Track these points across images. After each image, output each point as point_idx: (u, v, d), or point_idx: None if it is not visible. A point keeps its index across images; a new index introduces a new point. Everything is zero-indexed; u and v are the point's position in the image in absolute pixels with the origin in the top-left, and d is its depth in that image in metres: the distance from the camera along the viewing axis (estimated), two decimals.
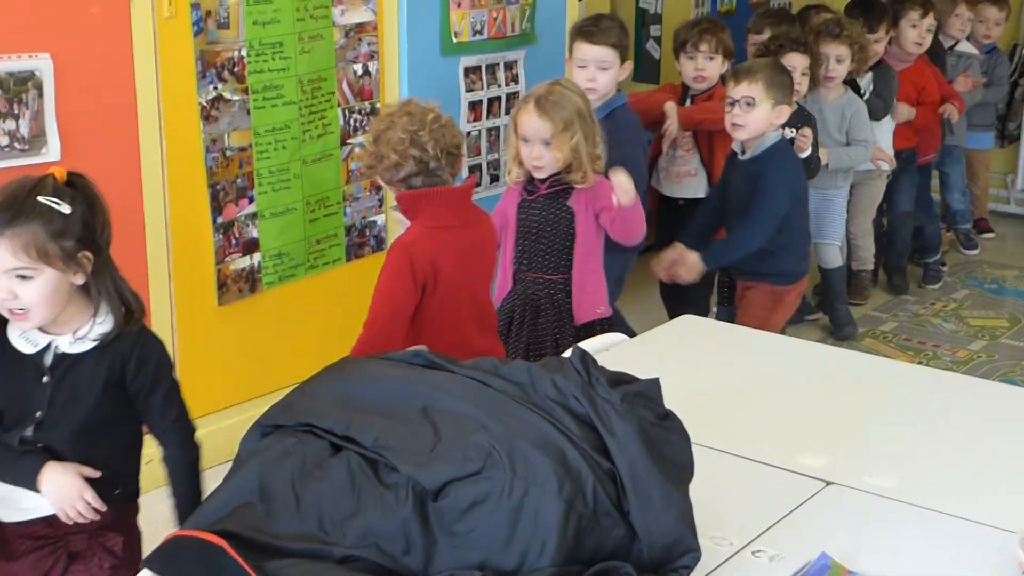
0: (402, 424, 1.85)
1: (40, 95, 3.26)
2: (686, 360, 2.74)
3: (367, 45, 4.19)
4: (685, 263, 3.95)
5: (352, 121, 4.18)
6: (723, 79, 4.36)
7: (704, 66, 4.51)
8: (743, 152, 4.03)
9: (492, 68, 4.60)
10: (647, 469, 1.79)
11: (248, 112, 3.82)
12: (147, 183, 3.58)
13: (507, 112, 4.64)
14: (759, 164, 3.96)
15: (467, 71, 4.50)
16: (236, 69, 3.76)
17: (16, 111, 3.22)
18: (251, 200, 3.87)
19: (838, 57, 4.87)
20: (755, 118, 3.90)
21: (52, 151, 3.31)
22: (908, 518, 2.07)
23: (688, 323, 3.08)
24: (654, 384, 1.93)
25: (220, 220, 3.78)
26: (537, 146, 3.30)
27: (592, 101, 3.61)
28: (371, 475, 1.81)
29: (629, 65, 4.02)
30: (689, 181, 4.61)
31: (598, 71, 3.91)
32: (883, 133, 5.32)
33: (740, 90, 3.90)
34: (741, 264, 4.12)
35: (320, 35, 4.02)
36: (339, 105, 4.12)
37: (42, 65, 3.26)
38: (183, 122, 3.65)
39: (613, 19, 4.17)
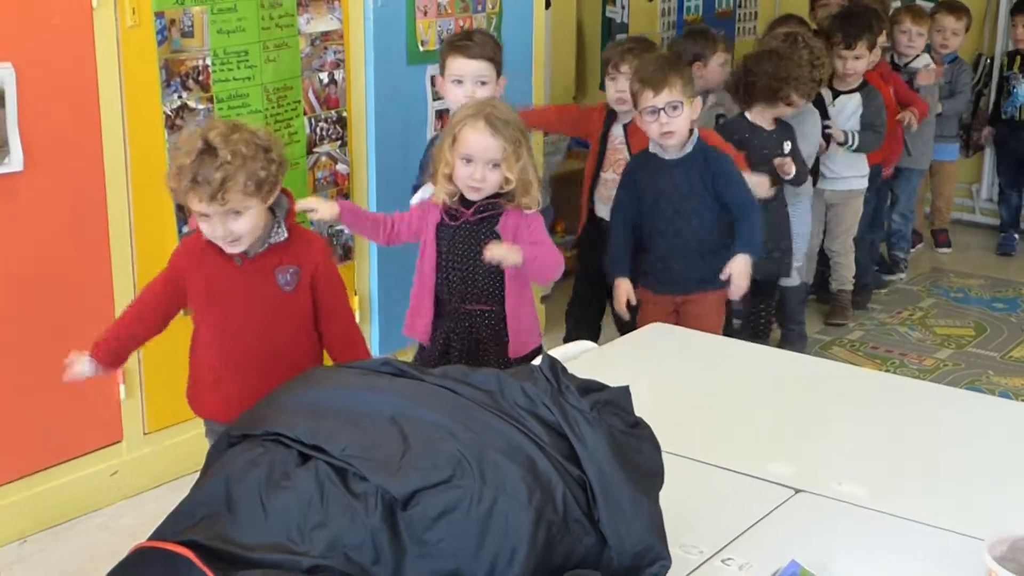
0: (371, 433, 1.82)
1: (2, 104, 3.23)
2: (655, 367, 2.73)
3: (333, 54, 4.18)
4: (738, 269, 3.80)
5: (318, 130, 4.17)
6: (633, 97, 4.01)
7: (626, 87, 4.13)
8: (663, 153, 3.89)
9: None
10: (617, 477, 1.78)
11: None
12: (111, 192, 3.55)
13: None
14: (700, 160, 3.86)
15: (434, 79, 4.48)
16: (201, 78, 3.75)
17: None
18: None
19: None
20: (683, 121, 3.79)
21: (15, 161, 3.28)
22: (877, 526, 2.07)
23: (657, 331, 3.08)
24: (624, 392, 1.92)
25: (186, 229, 3.75)
26: (482, 167, 3.08)
27: None
28: (339, 484, 1.79)
29: (504, 80, 3.79)
30: None
31: (476, 86, 3.67)
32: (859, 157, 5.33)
33: (663, 97, 3.74)
34: (684, 275, 3.93)
35: (286, 43, 4.00)
36: (305, 114, 4.11)
37: (4, 75, 3.23)
38: (147, 131, 3.63)
39: (486, 33, 4.00)
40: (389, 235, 3.34)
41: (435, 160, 3.20)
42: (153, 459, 3.76)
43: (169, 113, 3.66)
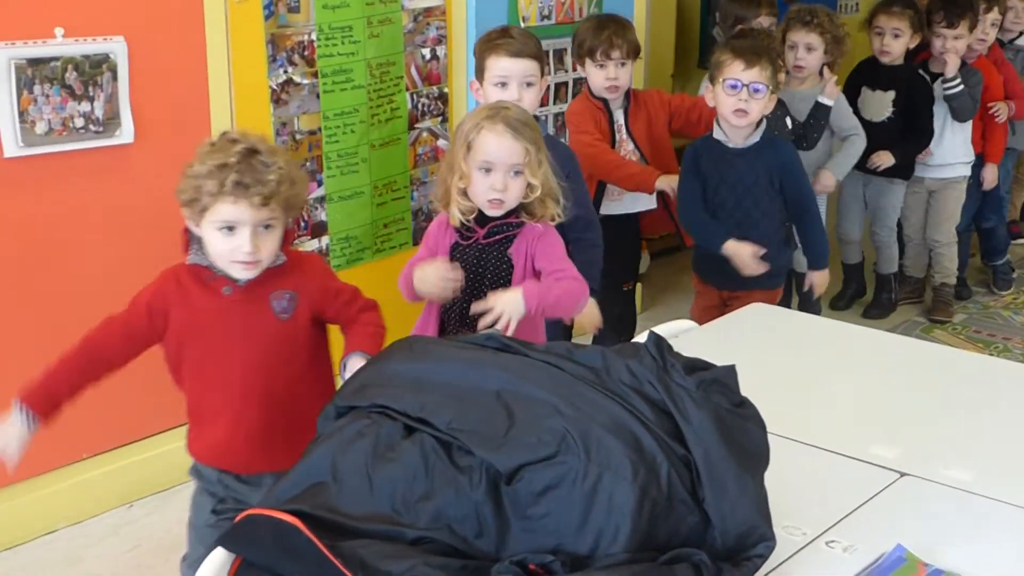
0: (476, 407, 1.84)
1: (114, 78, 3.30)
2: (758, 348, 2.72)
3: (435, 29, 4.19)
4: (817, 283, 3.83)
5: (420, 105, 4.19)
6: (712, 66, 3.83)
7: (617, 74, 4.01)
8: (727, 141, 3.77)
9: (559, 53, 4.59)
10: (722, 456, 1.77)
11: (317, 96, 3.84)
12: None
13: (575, 97, 4.63)
14: (768, 152, 3.76)
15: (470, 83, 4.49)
16: (306, 53, 3.78)
17: (91, 93, 3.25)
18: (320, 183, 3.90)
19: (808, 45, 4.60)
20: (760, 107, 3.68)
21: (126, 133, 3.34)
22: (984, 511, 2.04)
23: (758, 311, 3.06)
24: (730, 371, 1.91)
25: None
26: (503, 175, 2.72)
27: None
28: (444, 457, 1.80)
29: (548, 80, 3.58)
30: (637, 195, 4.24)
31: (523, 88, 3.31)
32: (964, 135, 5.17)
33: (750, 75, 3.64)
34: (737, 270, 3.77)
35: (389, 19, 4.03)
36: (407, 89, 4.14)
37: (116, 48, 3.29)
38: (254, 106, 3.68)
39: (525, 31, 3.57)
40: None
41: (443, 176, 2.84)
42: None
43: (275, 88, 3.71)
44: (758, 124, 3.74)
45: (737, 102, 3.65)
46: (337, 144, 3.91)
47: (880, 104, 5.00)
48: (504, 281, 2.80)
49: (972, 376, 2.67)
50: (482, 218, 2.80)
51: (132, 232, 3.43)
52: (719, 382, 1.87)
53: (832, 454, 2.21)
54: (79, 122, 3.24)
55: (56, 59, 3.17)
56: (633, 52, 4.05)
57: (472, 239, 2.82)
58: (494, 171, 2.71)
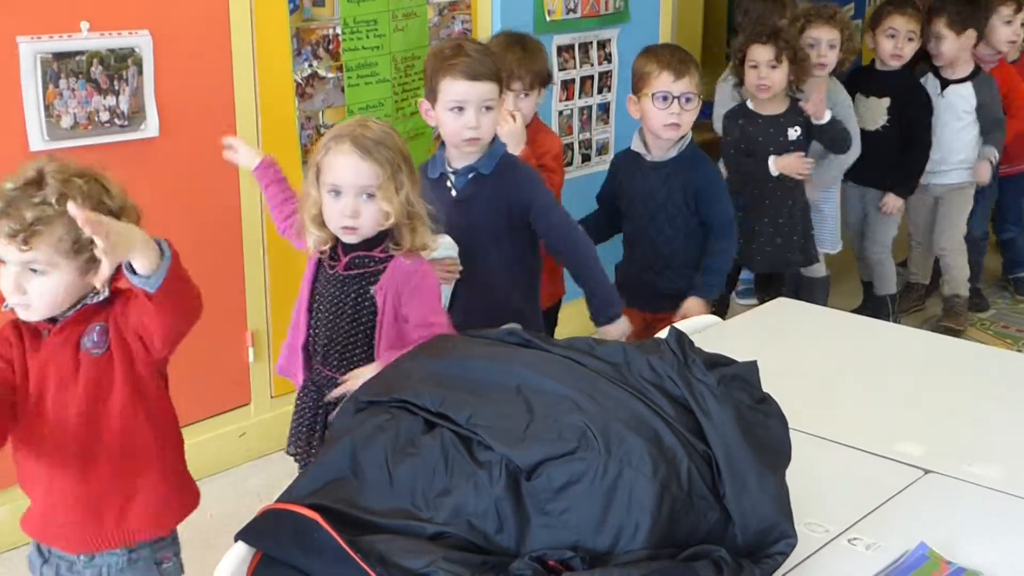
0: (496, 402, 1.83)
1: (140, 72, 3.31)
2: (781, 343, 2.70)
3: (460, 23, 4.18)
4: (690, 311, 3.33)
5: None
6: (635, 76, 3.54)
7: (518, 107, 3.50)
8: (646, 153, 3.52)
9: (585, 47, 4.58)
10: (743, 453, 1.76)
11: (342, 90, 3.84)
12: None
13: (600, 91, 4.62)
14: (685, 169, 3.47)
15: (560, 49, 4.48)
16: (331, 47, 3.78)
17: (116, 87, 3.26)
18: None
19: (831, 42, 4.47)
20: (691, 118, 3.43)
21: (151, 127, 3.35)
22: (1009, 509, 2.02)
23: (782, 306, 3.04)
24: (751, 367, 1.90)
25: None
26: (353, 199, 2.44)
27: (471, 154, 2.98)
28: (464, 453, 1.80)
29: (505, 98, 3.16)
30: None
31: (481, 114, 2.93)
32: (968, 139, 4.91)
33: (681, 86, 3.37)
34: (656, 290, 3.54)
35: (414, 13, 4.02)
36: None
37: (142, 42, 3.30)
38: (279, 99, 3.68)
39: (479, 44, 3.15)
40: (286, 222, 2.84)
41: (301, 203, 2.57)
42: (280, 422, 3.81)
43: (300, 81, 3.71)
44: (681, 136, 3.48)
45: (668, 115, 3.39)
46: None
47: (875, 112, 4.80)
48: (367, 323, 2.52)
49: (1000, 372, 2.65)
50: (348, 246, 2.53)
51: (156, 226, 3.42)
52: (740, 378, 1.86)
53: (856, 450, 2.20)
54: (104, 116, 3.25)
55: (81, 53, 3.18)
56: (539, 80, 3.57)
57: (335, 268, 2.55)
58: (343, 195, 2.45)
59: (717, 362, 1.89)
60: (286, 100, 3.70)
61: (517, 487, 1.75)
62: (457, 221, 2.88)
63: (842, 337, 2.81)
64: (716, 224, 3.48)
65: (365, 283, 2.51)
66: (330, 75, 3.79)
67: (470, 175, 3.00)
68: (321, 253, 2.55)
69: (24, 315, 2.12)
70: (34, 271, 2.07)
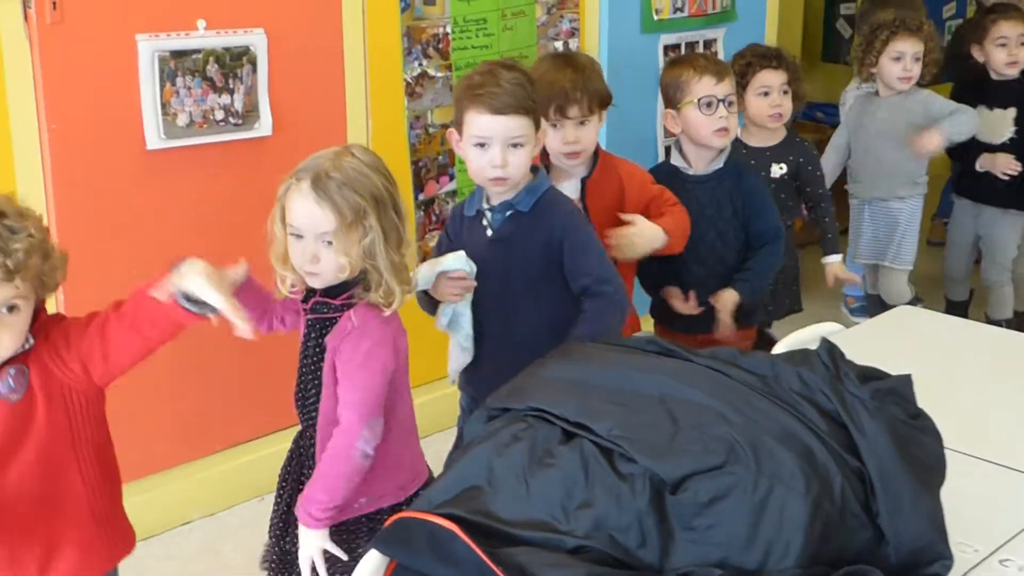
0: (638, 413, 1.78)
1: (254, 70, 3.30)
2: (916, 355, 2.60)
3: (568, 22, 4.14)
4: (721, 301, 3.19)
5: None
6: (670, 88, 3.32)
7: (578, 135, 3.00)
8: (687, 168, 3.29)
9: (691, 46, 4.51)
10: (898, 470, 1.70)
11: (451, 89, 3.81)
12: None
13: None
14: (730, 180, 3.27)
15: (666, 49, 4.42)
16: (440, 46, 3.76)
17: (231, 86, 3.25)
18: (452, 177, 3.87)
19: (916, 55, 4.27)
20: (736, 122, 3.26)
21: (264, 126, 3.34)
22: None
23: (909, 314, 2.95)
24: (906, 381, 1.83)
25: (421, 197, 3.79)
26: (313, 244, 2.24)
27: (500, 193, 2.69)
28: (605, 464, 1.75)
29: (545, 134, 2.78)
30: None
31: (508, 151, 2.62)
32: None
33: (724, 88, 3.20)
34: (705, 311, 3.24)
35: (523, 11, 3.98)
36: None
37: (256, 40, 3.29)
38: (389, 99, 3.67)
39: (515, 68, 2.72)
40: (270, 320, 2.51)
41: (268, 241, 2.35)
42: None
43: (409, 81, 3.69)
44: (721, 148, 3.27)
45: (717, 121, 3.19)
46: None
47: (1000, 124, 4.58)
48: (318, 372, 2.35)
49: None
50: (313, 289, 2.35)
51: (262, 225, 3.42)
52: (895, 392, 1.79)
53: (1005, 469, 2.12)
54: (219, 115, 3.24)
55: (198, 51, 3.18)
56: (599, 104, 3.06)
57: (305, 312, 2.38)
58: (303, 238, 2.24)
59: (870, 375, 1.82)
60: (396, 99, 3.68)
61: (661, 501, 1.70)
62: (492, 264, 2.68)
63: (977, 349, 2.71)
64: (762, 235, 3.27)
65: (323, 331, 2.32)
66: (439, 74, 3.77)
67: (508, 213, 2.70)
68: (294, 293, 2.37)
69: None
70: (10, 309, 1.93)
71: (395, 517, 1.84)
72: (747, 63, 3.82)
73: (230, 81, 3.25)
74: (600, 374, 1.89)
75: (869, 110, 4.43)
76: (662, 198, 3.09)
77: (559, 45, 4.11)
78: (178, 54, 3.14)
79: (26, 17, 2.91)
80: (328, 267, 2.24)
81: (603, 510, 1.72)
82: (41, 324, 2.02)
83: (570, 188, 3.01)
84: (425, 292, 2.71)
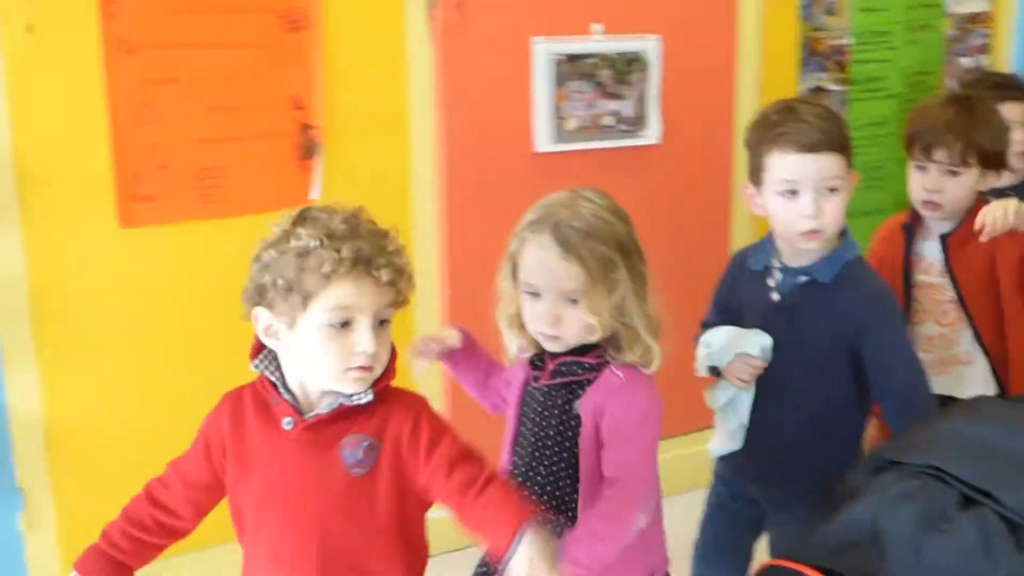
0: None
1: (645, 77, 3.25)
2: None
3: (980, 38, 3.87)
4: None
5: None
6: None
7: (938, 182, 2.59)
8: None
9: None
10: None
11: (844, 104, 3.63)
12: (738, 170, 3.49)
13: None
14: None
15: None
16: (838, 58, 3.59)
17: (622, 92, 3.22)
18: None
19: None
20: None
21: (653, 133, 3.29)
22: None
23: None
24: None
25: None
26: (553, 304, 1.93)
27: (803, 253, 2.29)
28: (1009, 539, 1.59)
29: (856, 176, 2.31)
30: (959, 371, 2.65)
31: (823, 197, 2.24)
32: None
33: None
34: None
35: (929, 25, 3.76)
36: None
37: (650, 46, 3.24)
38: None
39: (812, 102, 2.41)
40: (495, 398, 2.22)
41: (497, 299, 2.05)
42: None
43: (805, 93, 3.54)
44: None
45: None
46: (862, 156, 3.69)
47: None
48: (569, 444, 1.98)
49: None
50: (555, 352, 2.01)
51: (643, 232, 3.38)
52: None
53: None
54: (608, 120, 3.21)
55: (592, 56, 3.16)
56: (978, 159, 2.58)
57: (540, 379, 2.03)
58: (541, 297, 1.94)
59: None
60: None
61: None
62: (773, 332, 2.28)
63: None
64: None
65: (571, 395, 1.98)
66: (835, 88, 3.60)
67: (801, 279, 2.30)
68: (532, 360, 2.05)
69: (365, 383, 1.76)
70: (381, 323, 1.77)
71: (764, 564, 1.75)
72: None
73: (621, 87, 3.21)
74: (1010, 436, 1.72)
75: None
76: None
77: (967, 61, 3.85)
78: (573, 58, 3.13)
79: (430, 17, 2.97)
80: (572, 329, 1.93)
81: None
82: (388, 390, 1.82)
83: (927, 249, 2.66)
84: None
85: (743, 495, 2.43)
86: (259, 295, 1.73)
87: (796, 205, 2.23)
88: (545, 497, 1.99)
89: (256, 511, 1.81)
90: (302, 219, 1.74)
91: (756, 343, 2.28)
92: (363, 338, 1.71)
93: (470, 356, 2.18)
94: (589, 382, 1.95)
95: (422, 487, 1.78)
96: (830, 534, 1.75)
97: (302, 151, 2.88)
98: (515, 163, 3.15)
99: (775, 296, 2.33)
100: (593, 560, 1.82)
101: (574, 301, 1.90)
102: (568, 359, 1.96)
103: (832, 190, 2.23)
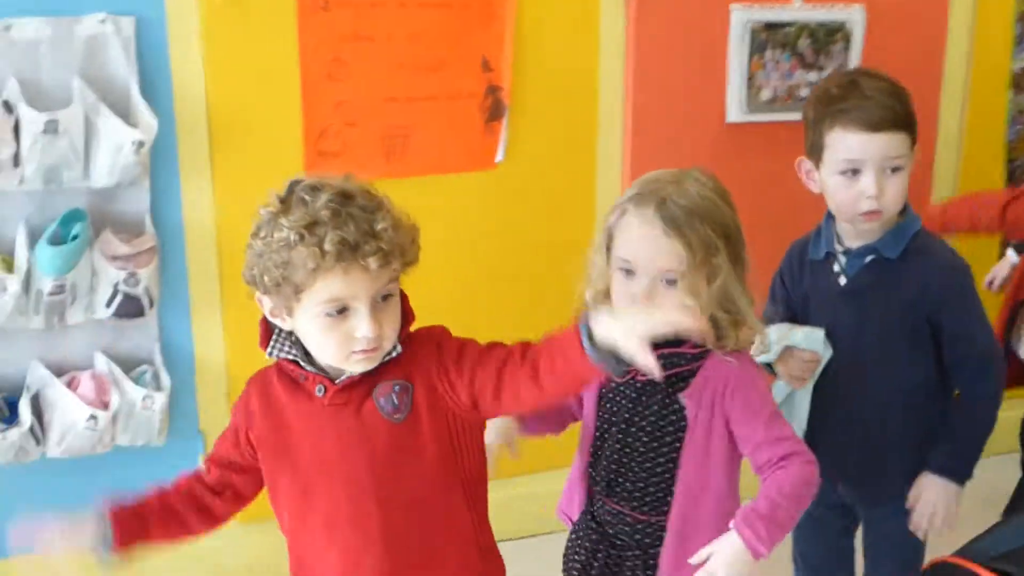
0: None
1: (846, 48, 3.13)
2: None
3: None
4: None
5: None
6: None
7: None
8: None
9: None
10: None
11: None
12: (942, 146, 3.34)
13: None
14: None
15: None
16: None
17: (821, 63, 3.11)
18: None
19: None
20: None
21: None
22: None
23: None
24: None
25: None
26: (650, 283, 1.83)
27: (865, 232, 2.20)
28: None
29: (919, 151, 2.21)
30: None
31: (885, 177, 2.14)
32: None
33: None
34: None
35: None
36: None
37: (854, 16, 3.12)
38: (989, 88, 3.39)
39: (878, 75, 2.22)
40: (565, 418, 2.13)
41: (588, 270, 1.96)
42: None
43: (1017, 72, 3.37)
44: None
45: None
46: None
47: None
48: (671, 442, 1.90)
49: None
50: None
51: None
52: None
53: None
54: (804, 92, 3.11)
55: (791, 24, 3.06)
56: None
57: (628, 374, 1.90)
58: (637, 276, 1.85)
59: None
60: (998, 90, 3.38)
61: None
62: (843, 319, 2.21)
63: None
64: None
65: (671, 388, 1.89)
66: None
67: (868, 258, 2.20)
68: None
69: (371, 362, 1.73)
70: (384, 298, 1.72)
71: (933, 560, 1.67)
72: None
73: (820, 58, 3.10)
74: None
75: None
76: None
77: None
78: (771, 26, 3.04)
79: None
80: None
81: None
82: (419, 335, 1.80)
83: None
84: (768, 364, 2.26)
85: (829, 500, 2.29)
86: (255, 283, 1.71)
87: (857, 185, 2.14)
88: (635, 501, 1.92)
89: (304, 488, 1.79)
90: (286, 205, 1.67)
91: (805, 335, 2.22)
92: (361, 324, 1.67)
93: (539, 418, 2.09)
94: (692, 373, 1.87)
95: (467, 404, 1.74)
96: (1008, 534, 1.67)
97: (489, 113, 2.87)
98: (705, 132, 3.08)
99: (842, 280, 2.24)
100: (778, 529, 1.74)
101: (672, 282, 1.82)
102: (665, 349, 1.79)
103: (895, 169, 2.14)
